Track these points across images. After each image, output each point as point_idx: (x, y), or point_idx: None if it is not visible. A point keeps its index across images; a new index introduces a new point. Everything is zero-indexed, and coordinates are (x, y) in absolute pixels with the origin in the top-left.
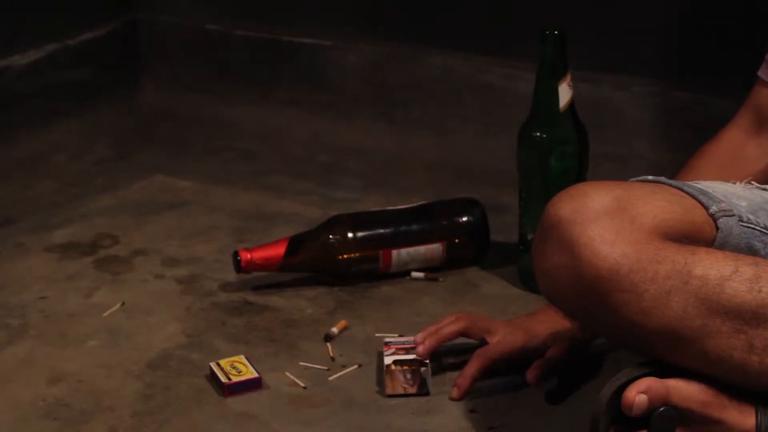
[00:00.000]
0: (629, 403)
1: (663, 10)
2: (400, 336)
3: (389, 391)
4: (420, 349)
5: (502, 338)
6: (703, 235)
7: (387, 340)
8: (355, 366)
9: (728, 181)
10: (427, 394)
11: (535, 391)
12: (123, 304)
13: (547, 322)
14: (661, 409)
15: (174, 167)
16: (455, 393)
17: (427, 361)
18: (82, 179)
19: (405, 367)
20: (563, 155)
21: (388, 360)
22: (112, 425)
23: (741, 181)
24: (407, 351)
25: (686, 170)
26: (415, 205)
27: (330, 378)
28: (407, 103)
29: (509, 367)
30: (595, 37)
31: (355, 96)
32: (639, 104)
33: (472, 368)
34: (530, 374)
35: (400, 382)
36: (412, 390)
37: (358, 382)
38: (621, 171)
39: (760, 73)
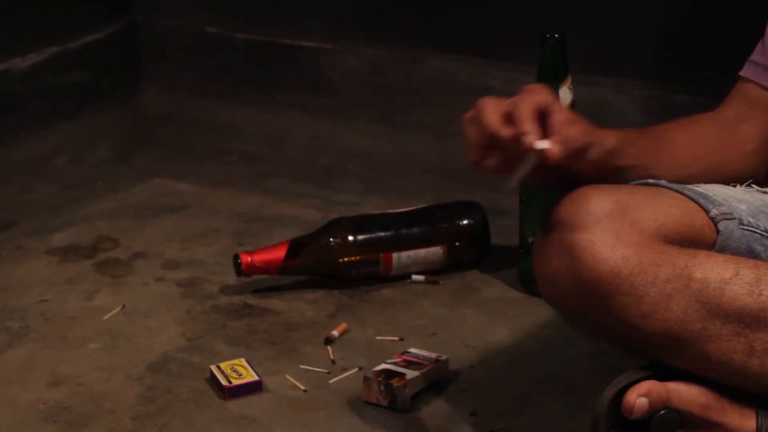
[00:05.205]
0: (630, 407)
1: (663, 13)
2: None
3: (364, 398)
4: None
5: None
6: (704, 238)
7: (411, 350)
8: (356, 369)
9: (729, 184)
10: (395, 409)
11: (535, 393)
12: (123, 307)
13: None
14: (662, 412)
15: (174, 170)
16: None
17: (409, 378)
18: (83, 182)
19: (380, 378)
20: None
21: (378, 366)
22: (113, 428)
23: (741, 184)
24: (408, 365)
25: (678, 130)
26: (415, 208)
27: (330, 381)
28: (407, 106)
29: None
30: (596, 40)
31: (355, 99)
32: (639, 107)
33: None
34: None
35: (374, 392)
36: (384, 402)
37: (358, 385)
38: None
39: (743, 73)
